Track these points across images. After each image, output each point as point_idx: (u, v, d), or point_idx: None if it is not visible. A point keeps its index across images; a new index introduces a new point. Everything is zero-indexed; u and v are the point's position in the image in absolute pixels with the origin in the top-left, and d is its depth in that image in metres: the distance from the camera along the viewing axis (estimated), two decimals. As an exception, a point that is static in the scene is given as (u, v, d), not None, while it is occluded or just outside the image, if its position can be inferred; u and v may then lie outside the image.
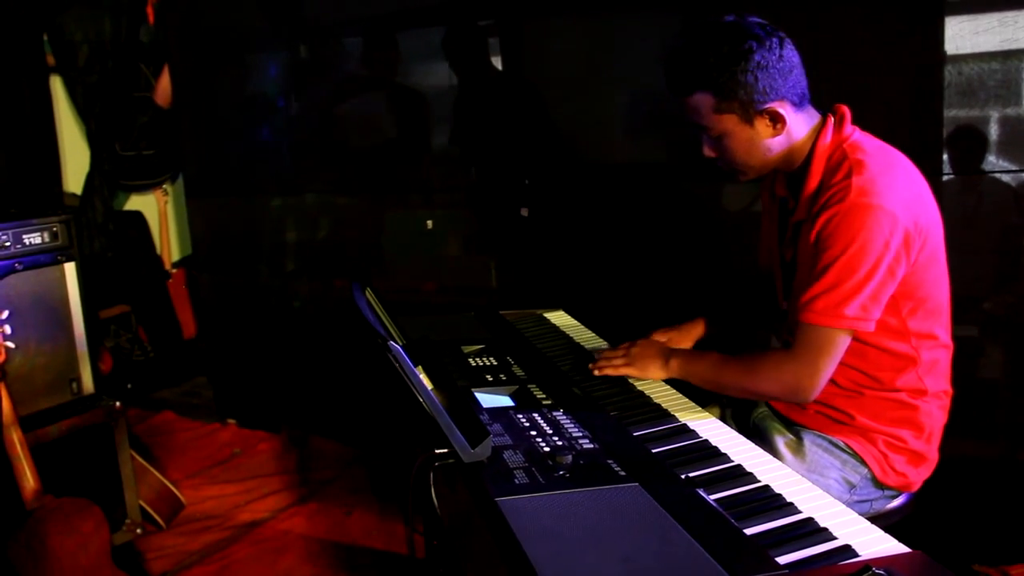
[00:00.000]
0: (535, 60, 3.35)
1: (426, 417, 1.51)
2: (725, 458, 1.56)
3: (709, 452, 1.58)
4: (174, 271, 4.84)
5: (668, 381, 1.96)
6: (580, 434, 1.59)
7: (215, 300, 4.37)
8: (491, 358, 2.08)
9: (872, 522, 1.31)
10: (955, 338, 1.87)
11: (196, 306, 4.73)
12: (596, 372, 1.98)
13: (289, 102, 4.06)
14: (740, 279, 2.25)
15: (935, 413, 1.86)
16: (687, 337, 2.13)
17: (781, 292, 1.97)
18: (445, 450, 1.46)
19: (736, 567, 1.16)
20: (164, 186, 4.88)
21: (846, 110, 1.78)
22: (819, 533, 1.28)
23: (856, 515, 1.34)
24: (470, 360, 2.06)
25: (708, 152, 1.81)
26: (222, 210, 4.22)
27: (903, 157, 1.76)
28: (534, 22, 3.32)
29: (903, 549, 1.23)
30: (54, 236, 2.76)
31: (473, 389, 1.84)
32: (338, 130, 3.84)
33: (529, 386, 1.88)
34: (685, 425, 1.71)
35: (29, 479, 2.35)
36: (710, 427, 1.71)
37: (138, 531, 2.99)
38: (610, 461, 1.47)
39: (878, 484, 1.84)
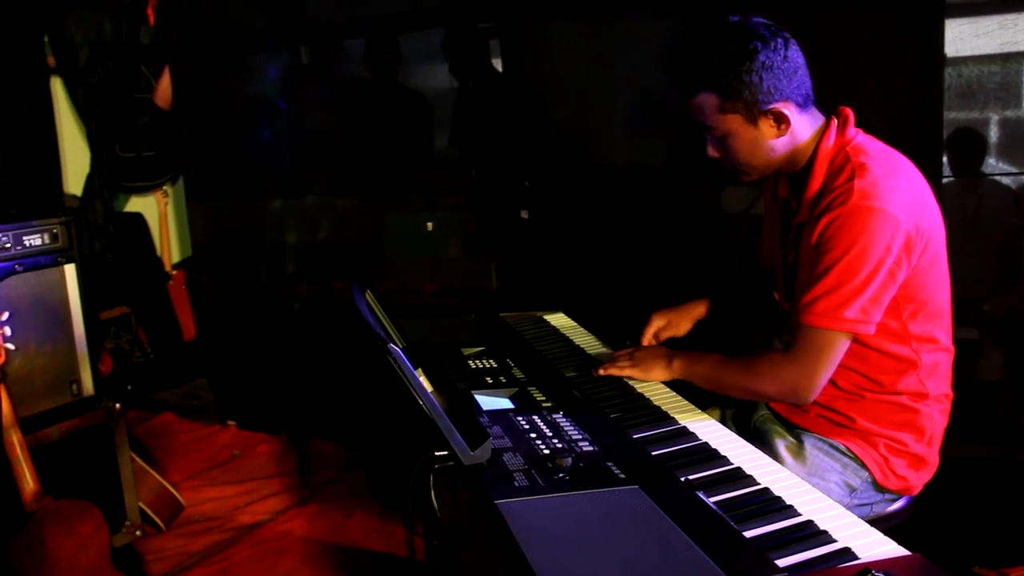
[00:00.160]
0: (535, 62, 3.36)
1: (426, 419, 1.51)
2: (725, 461, 1.56)
3: (709, 455, 1.58)
4: (174, 272, 4.83)
5: (668, 384, 1.96)
6: (580, 436, 1.59)
7: (215, 302, 4.37)
8: (491, 360, 2.08)
9: (872, 525, 1.31)
10: (955, 340, 1.87)
11: (196, 308, 4.73)
12: (601, 372, 1.99)
13: (290, 104, 4.06)
14: (741, 272, 2.25)
15: (936, 416, 1.86)
16: (687, 317, 2.14)
17: (783, 293, 1.96)
18: (445, 452, 1.46)
19: (736, 570, 1.16)
20: (164, 188, 4.88)
21: (850, 112, 1.78)
22: (819, 536, 1.28)
23: (856, 518, 1.34)
24: (470, 362, 2.06)
25: (712, 152, 1.81)
26: (223, 212, 4.22)
27: (906, 160, 1.76)
28: (534, 24, 3.32)
29: (903, 552, 1.23)
30: (54, 238, 2.76)
31: (473, 391, 1.84)
32: (338, 132, 3.84)
33: (529, 388, 1.88)
34: (685, 428, 1.71)
35: (29, 481, 2.35)
36: (710, 430, 1.71)
37: (138, 533, 2.99)
38: (610, 464, 1.47)
39: (879, 487, 1.84)
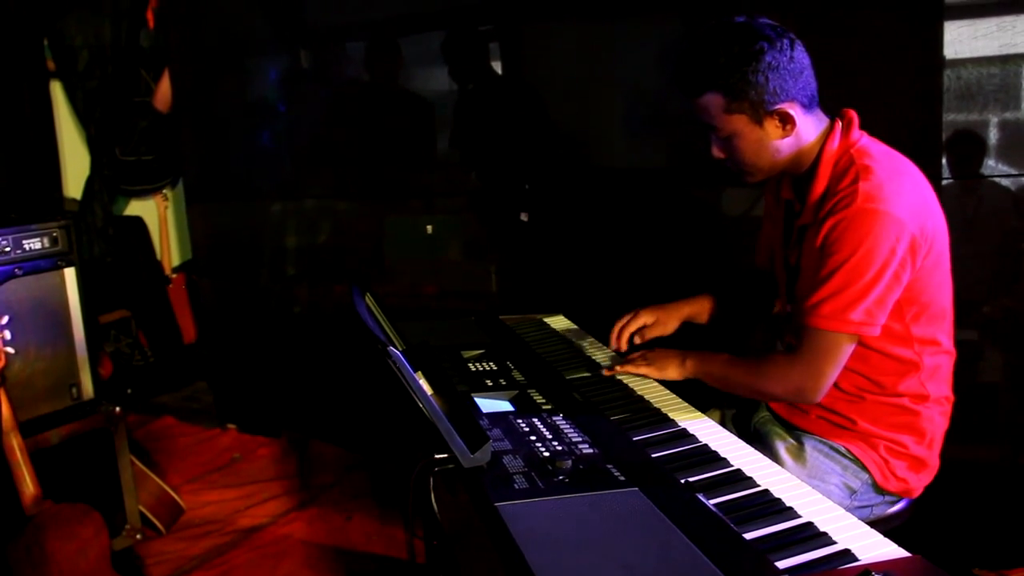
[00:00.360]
0: (535, 64, 3.36)
1: (426, 422, 1.51)
2: (725, 463, 1.56)
3: (709, 457, 1.58)
4: (174, 276, 4.83)
5: (668, 386, 1.96)
6: (580, 439, 1.59)
7: (215, 305, 4.37)
8: (491, 363, 2.08)
9: (872, 527, 1.31)
10: (955, 342, 1.87)
11: (196, 311, 4.73)
12: (618, 368, 2.01)
13: (290, 107, 4.06)
14: (737, 272, 2.25)
15: (936, 419, 1.85)
16: (675, 316, 2.13)
17: (784, 294, 1.96)
18: (445, 455, 1.46)
19: (736, 572, 1.16)
20: (164, 191, 4.88)
21: (854, 115, 1.78)
22: (819, 537, 1.29)
23: (856, 519, 1.34)
24: (470, 365, 2.06)
25: (717, 153, 1.81)
26: (223, 215, 4.22)
27: (909, 163, 1.76)
28: (534, 26, 3.33)
29: (903, 553, 1.23)
30: (54, 241, 2.77)
31: (473, 394, 1.84)
32: (338, 135, 3.84)
33: (529, 391, 1.88)
34: (685, 430, 1.71)
35: (29, 485, 2.35)
36: (710, 431, 1.71)
37: (138, 536, 2.98)
38: (610, 466, 1.47)
39: (879, 490, 1.84)
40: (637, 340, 2.10)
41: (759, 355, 1.85)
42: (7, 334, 2.34)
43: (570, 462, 1.46)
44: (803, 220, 1.81)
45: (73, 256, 2.82)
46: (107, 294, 4.57)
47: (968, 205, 2.57)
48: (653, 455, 1.57)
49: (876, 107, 2.41)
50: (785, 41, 1.68)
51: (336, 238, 3.96)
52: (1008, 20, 2.35)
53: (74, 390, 2.83)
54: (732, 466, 1.54)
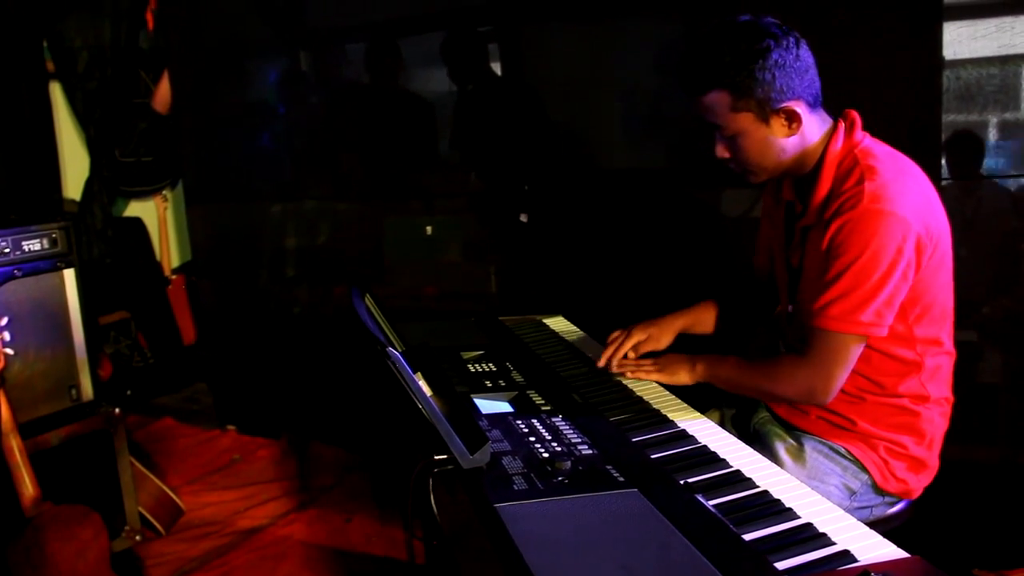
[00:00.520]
0: (534, 65, 3.36)
1: (425, 423, 1.51)
2: (724, 463, 1.56)
3: (708, 458, 1.58)
4: (174, 277, 4.83)
5: (666, 386, 1.96)
6: (579, 440, 1.59)
7: (215, 306, 4.37)
8: (490, 364, 2.08)
9: (871, 528, 1.31)
10: (954, 343, 1.87)
11: (196, 312, 4.73)
12: (629, 374, 1.99)
13: (289, 108, 4.06)
14: (731, 281, 2.24)
15: (936, 420, 1.85)
16: (668, 330, 2.10)
17: (786, 296, 1.96)
18: (444, 456, 1.46)
19: (735, 573, 1.16)
20: (164, 192, 4.88)
21: (856, 115, 1.78)
22: (818, 538, 1.29)
23: (855, 520, 1.34)
24: (469, 366, 2.06)
25: (721, 152, 1.80)
26: (222, 216, 4.22)
27: (912, 163, 1.75)
28: (533, 27, 3.33)
29: (902, 554, 1.23)
30: (53, 243, 2.76)
31: (472, 395, 1.84)
32: (338, 136, 3.84)
33: (528, 392, 1.88)
34: (684, 431, 1.71)
35: (28, 486, 2.35)
36: (709, 432, 1.71)
37: (137, 538, 2.98)
38: (609, 467, 1.47)
39: (878, 491, 1.84)
40: (631, 355, 2.08)
41: (769, 357, 1.86)
42: (6, 335, 2.34)
43: (569, 463, 1.46)
44: (806, 221, 1.81)
45: (73, 257, 2.82)
46: (107, 295, 4.57)
47: (967, 206, 2.58)
48: (652, 456, 1.57)
49: (875, 108, 2.41)
50: (791, 39, 1.68)
51: (336, 239, 3.96)
52: (1007, 21, 2.35)
53: (73, 391, 2.83)
54: (731, 467, 1.54)
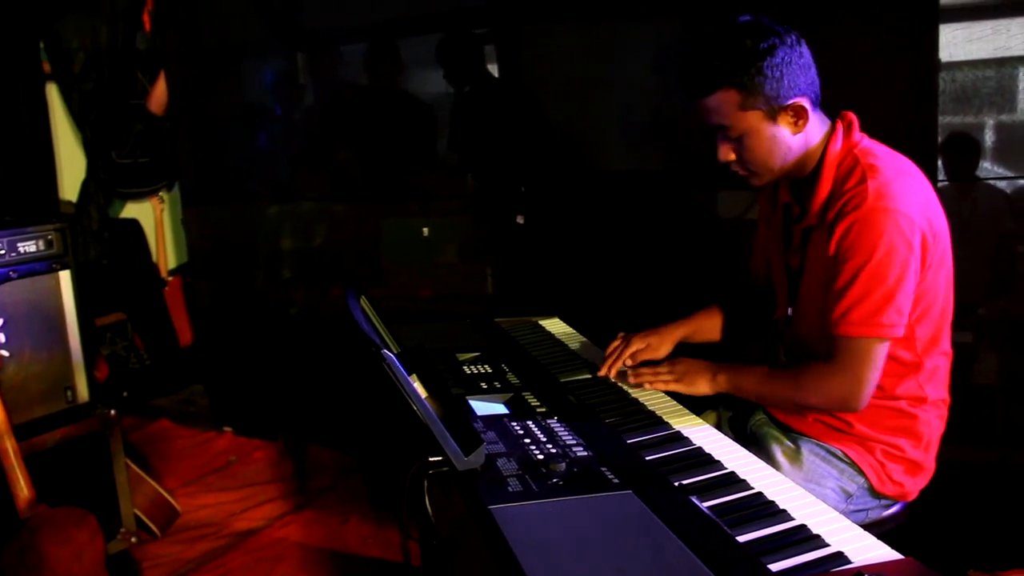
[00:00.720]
0: (531, 67, 3.36)
1: (420, 425, 1.51)
2: (719, 465, 1.55)
3: (703, 459, 1.58)
4: (170, 279, 4.83)
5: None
6: (574, 442, 1.59)
7: (211, 308, 4.36)
8: (486, 366, 2.08)
9: (867, 530, 1.31)
10: (951, 343, 1.87)
11: (192, 314, 4.72)
12: (632, 380, 1.95)
13: (286, 110, 4.07)
14: (730, 287, 2.24)
15: (933, 423, 1.85)
16: (667, 340, 2.09)
17: (785, 300, 1.95)
18: (439, 458, 1.46)
19: (728, 575, 1.16)
20: (160, 193, 4.88)
21: (853, 117, 1.78)
22: (811, 540, 1.28)
23: (849, 522, 1.34)
24: (465, 368, 2.06)
25: (725, 155, 1.78)
26: (219, 218, 4.22)
27: (911, 163, 1.75)
28: (529, 29, 3.33)
29: (896, 556, 1.23)
30: (49, 244, 2.76)
31: (468, 397, 1.84)
32: (335, 137, 3.84)
33: (524, 394, 1.88)
34: (679, 432, 1.71)
35: (23, 488, 2.35)
36: (704, 434, 1.71)
37: (133, 540, 2.97)
38: (604, 469, 1.47)
39: (875, 494, 1.84)
40: (629, 363, 2.07)
41: (793, 367, 1.82)
42: (2, 337, 2.34)
43: (564, 465, 1.46)
44: (807, 223, 1.80)
45: (68, 259, 2.81)
46: (103, 297, 4.57)
47: (964, 207, 2.58)
48: (647, 458, 1.57)
49: (872, 109, 2.42)
50: (793, 37, 1.69)
51: (332, 241, 3.97)
52: (1003, 23, 2.36)
53: (69, 393, 2.82)
54: (726, 469, 1.54)
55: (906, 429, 1.82)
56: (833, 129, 1.78)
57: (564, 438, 1.61)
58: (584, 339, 2.39)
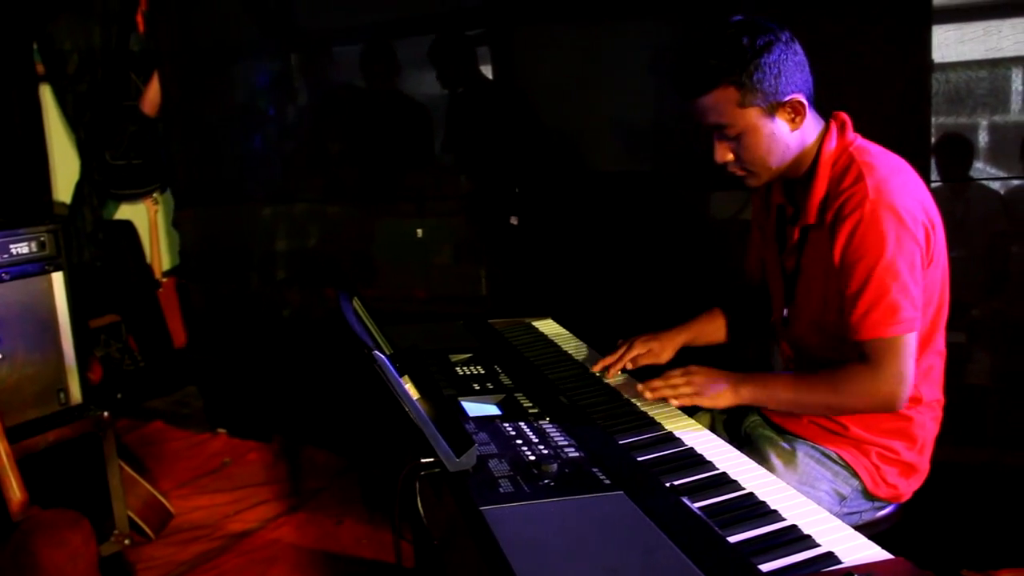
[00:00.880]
0: (525, 68, 3.36)
1: (413, 426, 1.51)
2: (710, 466, 1.55)
3: (694, 460, 1.58)
4: (164, 280, 4.82)
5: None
6: (566, 443, 1.59)
7: (205, 309, 4.36)
8: (479, 367, 2.07)
9: (860, 531, 1.31)
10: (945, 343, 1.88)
11: (186, 315, 4.72)
12: (648, 395, 1.82)
13: (280, 111, 4.06)
14: (725, 290, 2.24)
15: (928, 424, 1.85)
16: (669, 345, 2.09)
17: (781, 301, 1.94)
18: (431, 459, 1.46)
19: (719, 575, 1.16)
20: (154, 195, 4.87)
21: (846, 117, 1.78)
22: (802, 540, 1.28)
23: (840, 522, 1.34)
24: (457, 369, 2.05)
25: (721, 155, 1.77)
26: (213, 219, 4.21)
27: (905, 162, 1.76)
28: (523, 31, 3.33)
29: (886, 556, 1.23)
30: (42, 246, 2.75)
31: (460, 398, 1.84)
32: (329, 139, 3.84)
33: (516, 395, 1.87)
34: (671, 433, 1.70)
35: (15, 490, 2.34)
36: (696, 435, 1.71)
37: (126, 542, 2.97)
38: (595, 469, 1.47)
39: (868, 496, 1.83)
40: (630, 366, 2.06)
41: (825, 371, 1.75)
42: (-6, 339, 2.33)
43: (556, 466, 1.46)
44: (805, 221, 1.79)
45: (61, 260, 2.80)
46: (97, 298, 4.56)
47: (957, 208, 2.59)
48: (639, 459, 1.57)
49: (865, 110, 2.42)
50: (787, 35, 1.69)
51: (326, 242, 3.96)
52: (994, 24, 2.36)
53: (62, 395, 2.82)
54: (718, 469, 1.54)
55: (901, 431, 1.82)
56: (827, 129, 1.78)
57: (556, 439, 1.61)
58: (577, 340, 2.39)
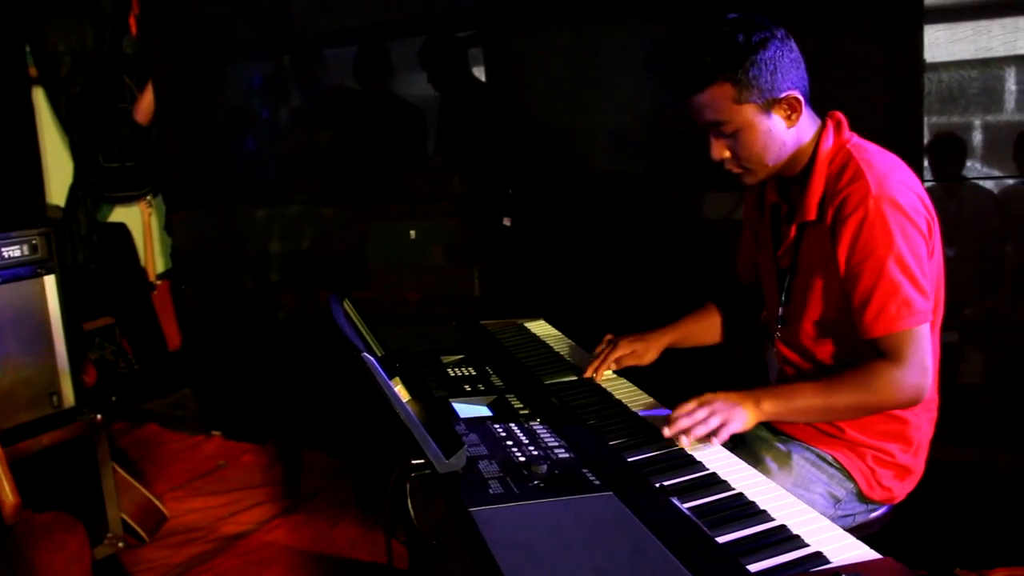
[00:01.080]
0: (518, 69, 3.36)
1: (403, 428, 1.51)
2: (700, 466, 1.55)
3: (684, 460, 1.58)
4: (159, 283, 4.82)
5: (646, 389, 1.95)
6: (556, 444, 1.59)
7: (200, 312, 4.35)
8: (470, 368, 2.07)
9: (852, 532, 1.31)
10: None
11: (181, 318, 4.71)
12: (668, 432, 1.66)
13: (273, 113, 4.06)
14: (715, 290, 2.24)
15: (924, 427, 1.85)
16: (654, 346, 2.09)
17: (775, 299, 1.93)
18: (422, 460, 1.45)
19: (707, 575, 1.16)
20: (148, 197, 4.86)
21: (842, 116, 1.79)
22: (791, 540, 1.28)
23: (829, 522, 1.34)
24: (449, 370, 2.05)
25: (718, 152, 1.77)
26: (206, 221, 4.21)
27: (901, 160, 1.76)
28: (516, 31, 3.33)
29: (874, 555, 1.23)
30: (33, 249, 2.75)
31: (451, 399, 1.84)
32: (322, 140, 3.84)
33: (507, 396, 1.88)
34: (662, 433, 1.70)
35: (8, 494, 2.34)
36: (687, 435, 1.71)
37: (120, 545, 2.96)
38: (585, 470, 1.47)
39: (863, 499, 1.83)
40: (614, 367, 2.07)
41: (845, 372, 1.72)
42: (-14, 342, 2.33)
43: (545, 467, 1.46)
44: (802, 218, 1.78)
45: (53, 264, 2.80)
46: (91, 301, 4.55)
47: (950, 207, 2.59)
48: (628, 459, 1.57)
49: (859, 110, 2.42)
50: (783, 32, 1.70)
51: (320, 244, 3.96)
52: (983, 24, 2.37)
53: (55, 398, 2.81)
54: (707, 470, 1.54)
55: (897, 434, 1.82)
56: (824, 127, 1.78)
57: (546, 440, 1.61)
58: (569, 341, 2.39)
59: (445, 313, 3.53)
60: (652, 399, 1.91)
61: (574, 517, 1.32)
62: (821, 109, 1.81)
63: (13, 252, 2.70)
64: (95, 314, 4.58)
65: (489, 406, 1.82)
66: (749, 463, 1.60)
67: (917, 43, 2.45)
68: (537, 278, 3.26)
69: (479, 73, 3.40)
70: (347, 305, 2.04)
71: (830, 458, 1.83)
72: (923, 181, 2.44)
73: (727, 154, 1.77)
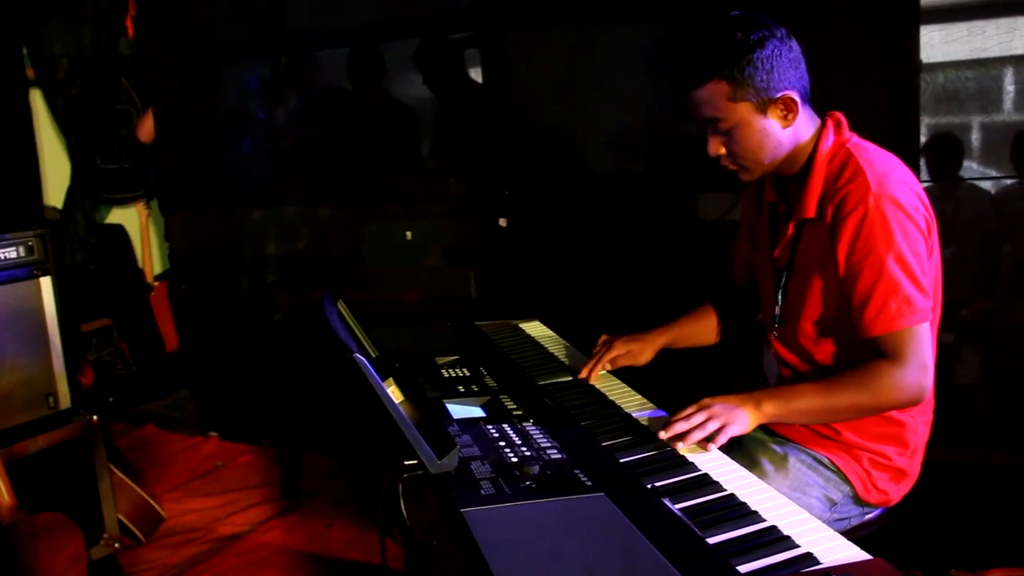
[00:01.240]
0: (515, 70, 3.36)
1: (396, 429, 1.51)
2: (692, 467, 1.55)
3: (676, 461, 1.58)
4: (156, 284, 4.82)
5: (639, 390, 1.95)
6: (549, 444, 1.59)
7: (197, 313, 4.36)
8: (464, 369, 2.07)
9: (847, 535, 1.31)
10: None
11: (178, 319, 4.71)
12: (664, 437, 1.66)
13: (270, 114, 4.06)
14: (711, 290, 2.24)
15: (920, 429, 1.85)
16: (649, 347, 2.08)
17: (772, 298, 1.93)
18: (415, 461, 1.46)
19: (697, 576, 1.16)
20: (145, 199, 4.87)
21: (841, 116, 1.79)
22: (781, 541, 1.28)
23: (819, 523, 1.34)
24: (443, 371, 2.05)
25: (715, 149, 1.77)
26: (202, 222, 4.21)
27: (900, 161, 1.77)
28: (512, 33, 3.33)
29: (865, 556, 1.24)
30: (30, 250, 2.75)
31: (444, 400, 1.84)
32: (319, 142, 3.84)
33: (501, 397, 1.87)
34: (654, 434, 1.70)
35: (4, 495, 2.34)
36: (680, 436, 1.71)
37: (116, 545, 2.96)
38: (577, 471, 1.47)
39: (859, 501, 1.83)
40: (608, 367, 2.07)
41: (849, 372, 1.71)
42: (-18, 343, 2.33)
43: (537, 468, 1.46)
44: (800, 216, 1.78)
45: (50, 265, 2.80)
46: (89, 302, 4.56)
47: (947, 208, 2.59)
48: (621, 460, 1.57)
49: (855, 110, 2.42)
50: (783, 32, 1.70)
51: (317, 245, 3.96)
52: (978, 25, 2.37)
53: (51, 400, 2.81)
54: (699, 471, 1.54)
55: (893, 436, 1.82)
56: (823, 126, 1.78)
57: (539, 441, 1.61)
58: (564, 342, 2.39)
59: (441, 314, 3.53)
60: (646, 400, 1.91)
61: (565, 518, 1.32)
62: (818, 109, 1.81)
63: (9, 253, 2.70)
64: (93, 315, 4.58)
65: (483, 407, 1.82)
66: (744, 465, 1.59)
67: (913, 43, 2.46)
68: (533, 279, 3.26)
69: (475, 74, 3.40)
70: (341, 306, 2.05)
71: (826, 461, 1.83)
72: (920, 182, 2.45)
73: (722, 151, 1.78)
